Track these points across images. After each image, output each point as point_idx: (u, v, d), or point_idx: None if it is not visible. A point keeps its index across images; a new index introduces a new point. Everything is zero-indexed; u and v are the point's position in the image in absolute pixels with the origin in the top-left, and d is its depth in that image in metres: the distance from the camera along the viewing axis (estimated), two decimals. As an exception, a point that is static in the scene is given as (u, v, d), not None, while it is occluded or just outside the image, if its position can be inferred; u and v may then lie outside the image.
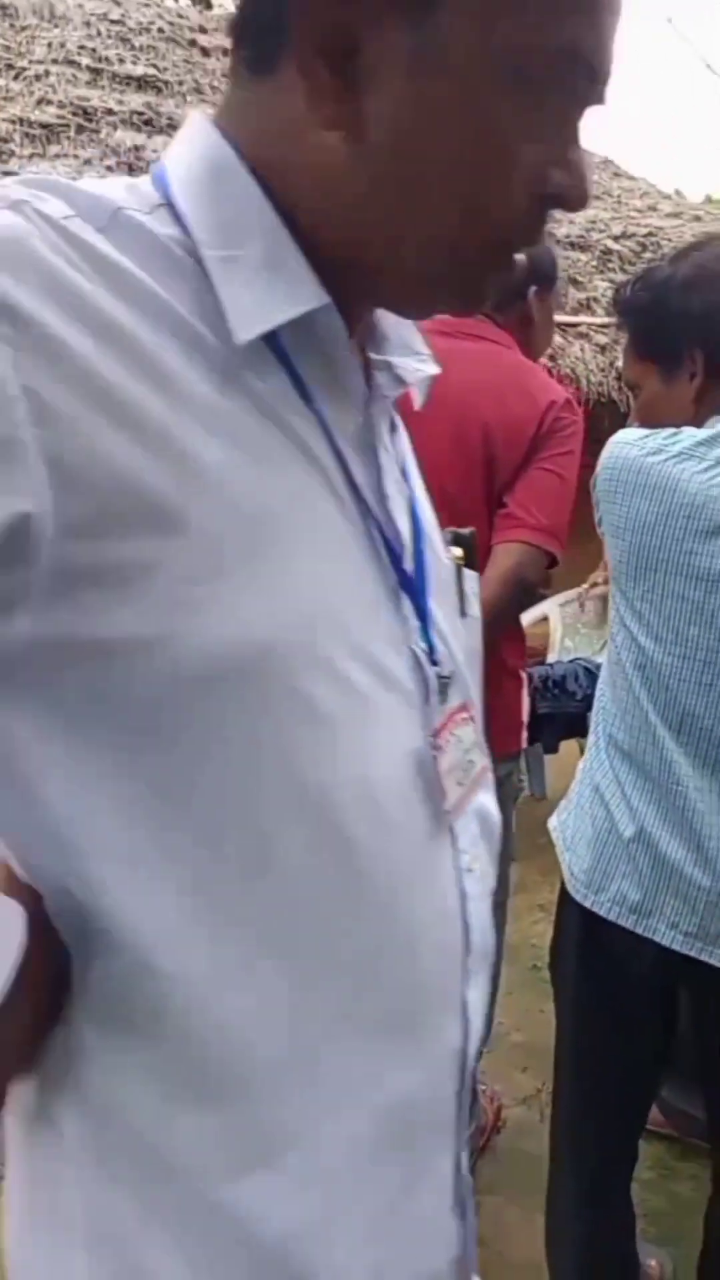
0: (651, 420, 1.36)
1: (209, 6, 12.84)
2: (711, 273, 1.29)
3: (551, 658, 4.08)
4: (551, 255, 1.88)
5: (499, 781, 1.83)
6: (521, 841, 2.14)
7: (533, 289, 1.80)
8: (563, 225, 6.14)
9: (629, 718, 1.35)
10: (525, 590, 1.66)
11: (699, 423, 1.29)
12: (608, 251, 5.96)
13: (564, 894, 1.46)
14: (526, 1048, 2.46)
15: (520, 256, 1.78)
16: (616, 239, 6.15)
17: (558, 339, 5.07)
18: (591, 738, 1.45)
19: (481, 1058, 2.01)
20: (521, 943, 2.05)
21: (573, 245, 5.91)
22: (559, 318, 5.21)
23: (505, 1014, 2.07)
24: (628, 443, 1.31)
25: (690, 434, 1.27)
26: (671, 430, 1.28)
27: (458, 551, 0.74)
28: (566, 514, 1.67)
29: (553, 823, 1.53)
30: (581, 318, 5.32)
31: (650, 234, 6.34)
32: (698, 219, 7.05)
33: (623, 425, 2.17)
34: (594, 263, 5.82)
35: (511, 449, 1.66)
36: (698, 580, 1.21)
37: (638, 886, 1.34)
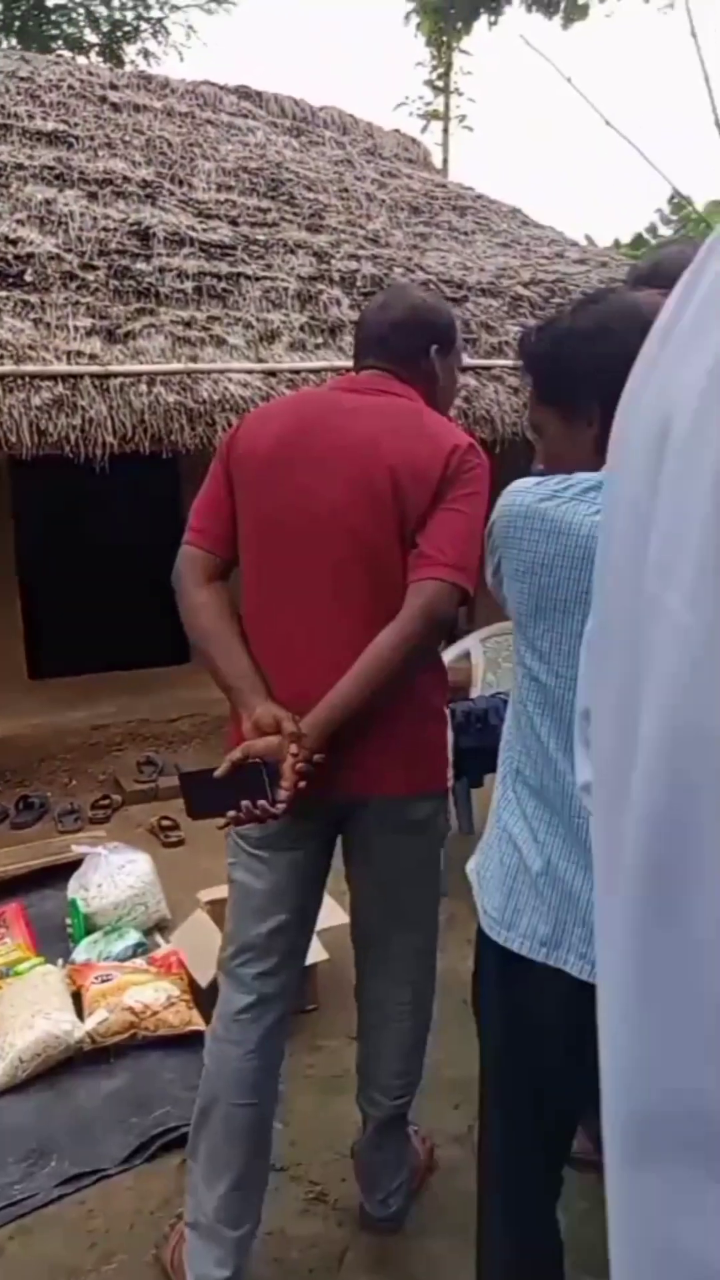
0: (555, 464, 1.41)
1: (120, 63, 13.04)
2: (608, 328, 1.34)
3: (474, 693, 4.13)
4: (450, 317, 1.93)
5: (426, 821, 1.85)
6: (451, 876, 2.15)
7: (434, 348, 1.85)
8: (474, 273, 6.32)
9: (532, 754, 1.39)
10: (439, 626, 1.69)
11: (599, 468, 1.33)
12: (518, 297, 6.14)
13: (480, 933, 1.47)
14: (458, 1084, 2.44)
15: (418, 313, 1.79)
16: (526, 285, 6.34)
17: (472, 382, 5.19)
18: (499, 776, 1.47)
19: (413, 1097, 1.99)
20: (452, 978, 2.04)
21: (484, 292, 6.08)
22: (473, 361, 5.36)
23: (436, 1050, 2.06)
24: (522, 490, 1.37)
25: (581, 479, 1.32)
26: (563, 477, 1.34)
27: None
28: (477, 552, 1.70)
29: (470, 865, 1.54)
30: (494, 361, 5.46)
31: (558, 280, 6.56)
32: (604, 264, 7.32)
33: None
34: (505, 308, 5.99)
35: (419, 491, 1.69)
36: None
37: (546, 920, 1.37)
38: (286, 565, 1.74)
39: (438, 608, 1.63)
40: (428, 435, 1.72)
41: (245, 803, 1.59)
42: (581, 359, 1.34)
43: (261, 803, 1.59)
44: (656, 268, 1.90)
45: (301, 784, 1.59)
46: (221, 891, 2.91)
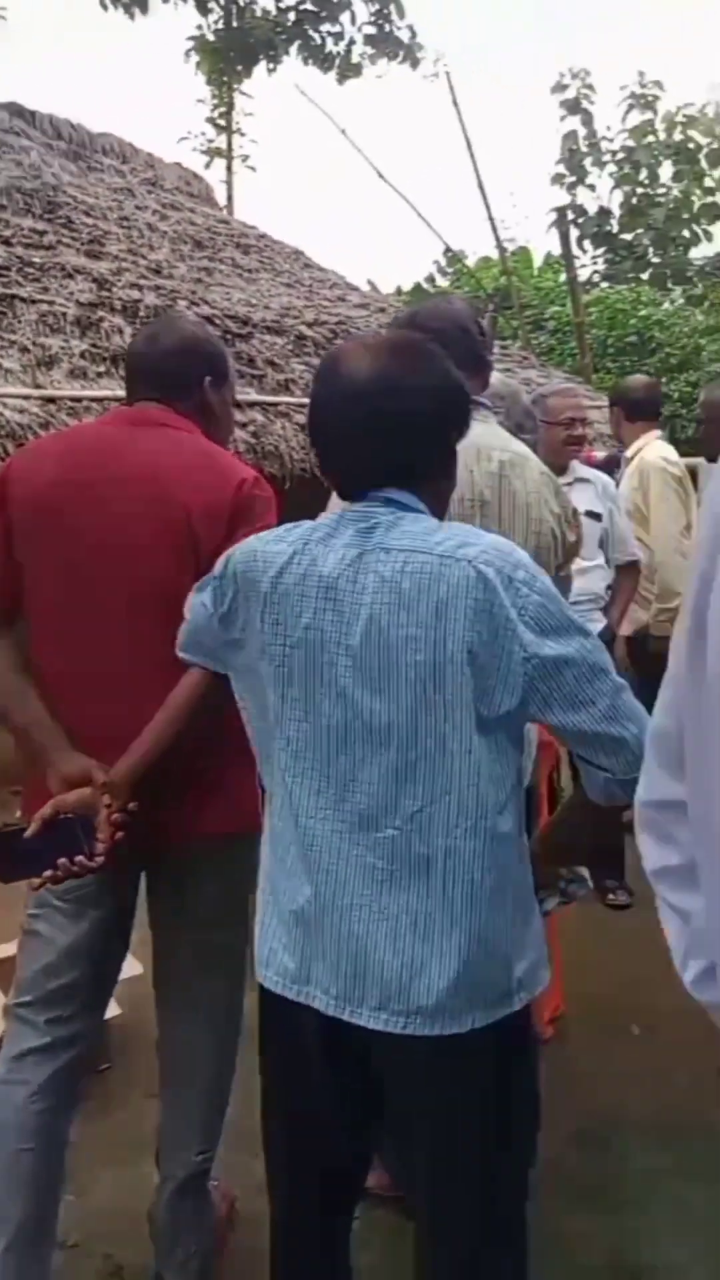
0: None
1: None
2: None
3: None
4: (221, 348, 1.95)
5: (240, 859, 1.76)
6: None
7: (207, 379, 1.84)
8: (259, 310, 6.39)
9: (275, 798, 1.41)
10: None
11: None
12: (302, 336, 6.25)
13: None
14: (257, 1133, 2.39)
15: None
16: (310, 325, 6.47)
17: (260, 417, 5.22)
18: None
19: (216, 1153, 1.92)
20: (254, 1021, 2.00)
21: (269, 329, 6.15)
22: (259, 397, 5.40)
23: (238, 1098, 2.00)
24: None
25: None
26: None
27: None
28: None
29: None
30: (282, 398, 5.52)
31: (341, 321, 6.75)
32: (383, 310, 7.60)
33: (323, 500, 2.26)
34: (290, 346, 6.08)
35: (212, 529, 1.68)
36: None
37: (294, 955, 1.39)
38: (78, 609, 1.68)
39: None
40: (214, 470, 1.72)
41: (62, 861, 1.53)
42: None
43: (79, 859, 1.53)
44: (414, 317, 2.05)
45: (119, 835, 1.56)
46: (4, 951, 2.74)
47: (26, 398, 4.42)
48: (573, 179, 12.41)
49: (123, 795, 1.59)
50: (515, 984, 1.34)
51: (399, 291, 13.79)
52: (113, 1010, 2.54)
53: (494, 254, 12.27)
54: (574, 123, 12.43)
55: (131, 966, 2.39)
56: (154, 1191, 2.00)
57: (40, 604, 1.72)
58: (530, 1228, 1.50)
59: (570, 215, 10.30)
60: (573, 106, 12.36)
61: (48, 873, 1.56)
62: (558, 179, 12.48)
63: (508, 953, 1.33)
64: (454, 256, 14.31)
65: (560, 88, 12.34)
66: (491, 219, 10.04)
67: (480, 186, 9.32)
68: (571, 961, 3.00)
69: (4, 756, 5.05)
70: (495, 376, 2.35)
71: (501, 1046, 1.34)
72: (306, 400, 5.49)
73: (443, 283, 14.83)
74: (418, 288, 14.26)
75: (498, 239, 10.71)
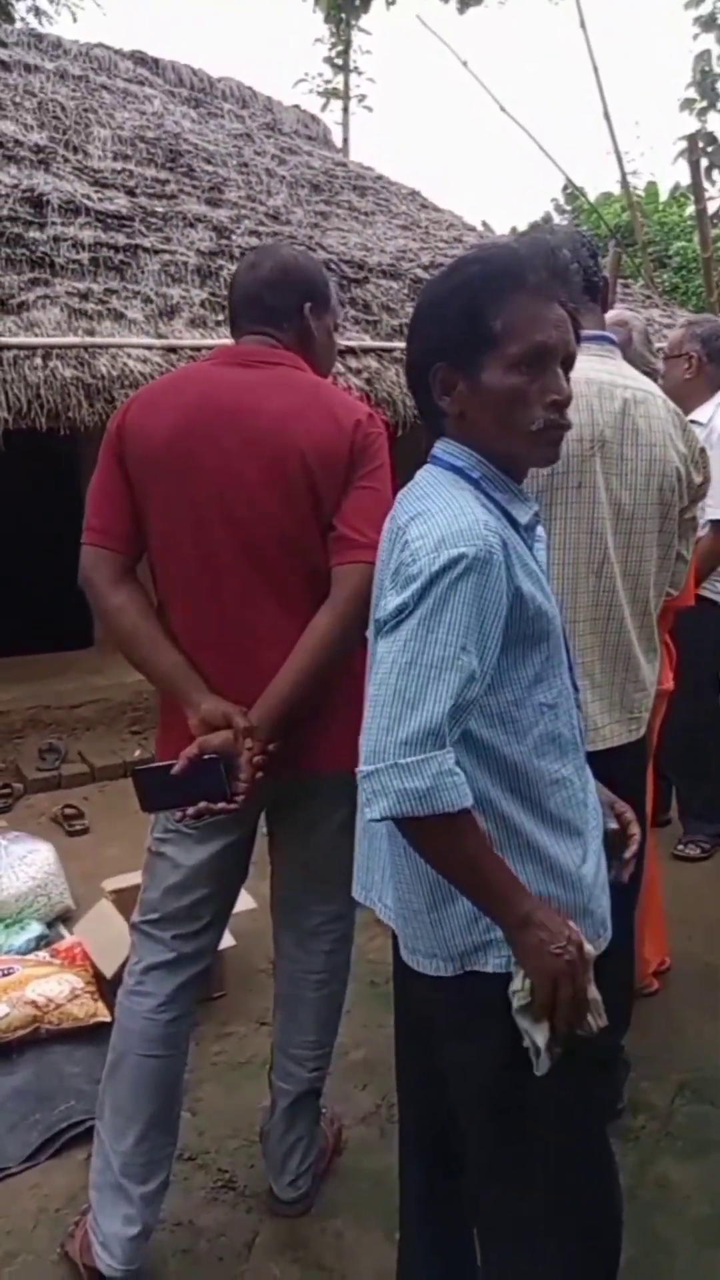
0: None
1: (10, 20, 12.49)
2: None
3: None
4: (322, 274, 1.89)
5: (353, 793, 1.86)
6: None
7: (307, 305, 1.83)
8: (374, 254, 6.31)
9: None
10: (369, 607, 1.70)
11: None
12: (418, 280, 6.15)
13: None
14: (366, 1065, 2.48)
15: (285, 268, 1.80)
16: (426, 268, 6.36)
17: (374, 364, 5.19)
18: None
19: (327, 1072, 2.00)
20: (359, 959, 2.06)
21: (384, 274, 6.08)
22: (374, 343, 5.36)
23: (344, 1031, 2.07)
24: None
25: None
26: None
27: None
28: None
29: None
30: (396, 343, 5.46)
31: (458, 264, 6.60)
32: (501, 251, 7.40)
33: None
34: (405, 291, 6.00)
35: (330, 474, 1.69)
36: None
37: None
38: (204, 556, 1.71)
39: (367, 591, 1.64)
40: (329, 412, 1.71)
41: (204, 803, 1.62)
42: None
43: (220, 801, 1.61)
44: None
45: (259, 776, 1.62)
46: (127, 880, 2.88)
47: (149, 348, 4.51)
48: (704, 104, 11.67)
49: (263, 739, 1.65)
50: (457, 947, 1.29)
51: (514, 232, 13.38)
52: (227, 941, 2.65)
53: (616, 189, 11.76)
54: (708, 41, 11.63)
55: (245, 900, 2.49)
56: (264, 1113, 2.10)
57: (162, 552, 1.76)
58: (605, 1183, 1.49)
59: (700, 143, 9.70)
60: (708, 23, 11.56)
61: (190, 810, 1.65)
62: (688, 104, 11.76)
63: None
64: (573, 193, 13.78)
65: (695, 2, 11.55)
66: (616, 149, 9.59)
67: (606, 115, 8.89)
68: (676, 916, 2.97)
69: (123, 698, 5.25)
70: (614, 310, 2.25)
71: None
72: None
73: (560, 220, 14.32)
74: (534, 228, 13.82)
75: (622, 170, 10.23)
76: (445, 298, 1.27)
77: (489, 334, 1.22)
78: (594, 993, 1.22)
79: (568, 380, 1.27)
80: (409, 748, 1.10)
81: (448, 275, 1.30)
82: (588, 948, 1.21)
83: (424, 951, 1.31)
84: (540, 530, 1.38)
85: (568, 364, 1.27)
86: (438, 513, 1.19)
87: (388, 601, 1.18)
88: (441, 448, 1.31)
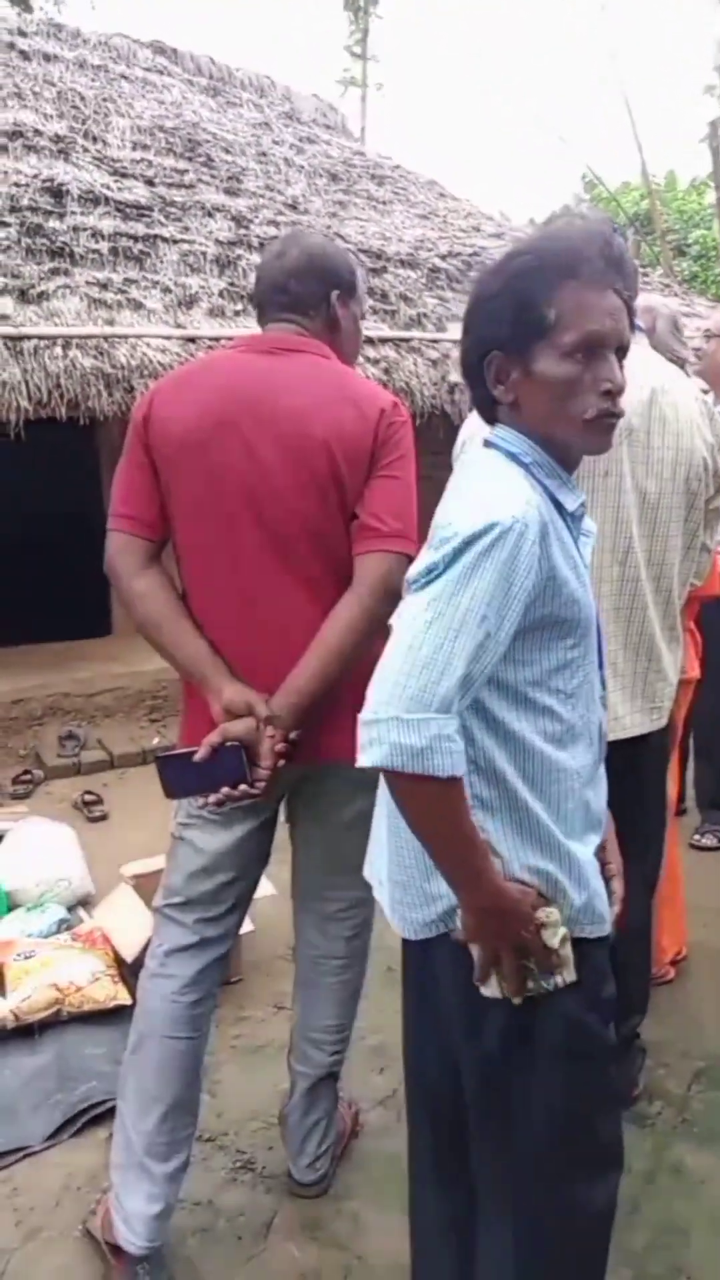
0: None
1: (29, 9, 12.50)
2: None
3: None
4: (349, 261, 1.87)
5: (374, 782, 1.87)
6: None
7: (334, 293, 1.80)
8: (392, 243, 6.30)
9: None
10: (392, 597, 1.69)
11: None
12: (435, 269, 6.14)
13: None
14: (382, 1049, 2.49)
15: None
16: (444, 257, 6.35)
17: (391, 353, 5.19)
18: None
19: (345, 1056, 2.02)
20: (377, 945, 2.08)
21: (402, 263, 6.07)
22: (392, 333, 5.35)
23: (360, 1016, 2.09)
24: None
25: None
26: None
27: None
28: (415, 514, 1.74)
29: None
30: (413, 333, 5.46)
31: (475, 253, 6.59)
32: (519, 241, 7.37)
33: (452, 436, 2.24)
34: (423, 280, 5.99)
35: (354, 465, 1.70)
36: None
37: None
38: (228, 544, 1.71)
39: (390, 580, 1.64)
40: (353, 402, 1.72)
41: (226, 789, 1.64)
42: None
43: (242, 786, 1.63)
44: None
45: (280, 764, 1.64)
46: (146, 865, 2.91)
47: (168, 337, 4.53)
48: (725, 87, 11.57)
49: (285, 727, 1.66)
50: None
51: (532, 222, 13.31)
52: (245, 926, 2.68)
53: (635, 178, 11.68)
54: (729, 24, 11.50)
55: (264, 886, 2.51)
56: (283, 1095, 2.13)
57: (186, 539, 1.77)
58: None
59: (721, 129, 9.63)
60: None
61: (213, 796, 1.66)
62: (709, 89, 11.66)
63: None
64: (591, 181, 13.69)
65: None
66: (636, 137, 9.53)
67: (626, 102, 8.84)
68: (693, 905, 2.97)
69: (141, 686, 5.29)
70: (642, 296, 2.23)
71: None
72: (439, 335, 5.47)
73: (579, 209, 14.22)
74: (553, 219, 13.73)
75: (641, 158, 10.16)
76: (500, 287, 1.27)
77: (543, 323, 1.23)
78: (565, 952, 1.24)
79: (622, 369, 1.26)
80: (414, 704, 1.11)
81: (503, 264, 1.29)
82: (550, 940, 1.23)
83: (418, 920, 1.33)
84: (589, 523, 1.37)
85: (622, 353, 1.27)
86: (482, 484, 1.23)
87: (421, 559, 1.20)
88: (497, 433, 1.32)
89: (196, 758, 1.65)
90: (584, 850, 1.32)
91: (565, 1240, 1.37)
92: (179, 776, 1.70)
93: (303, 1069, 2.01)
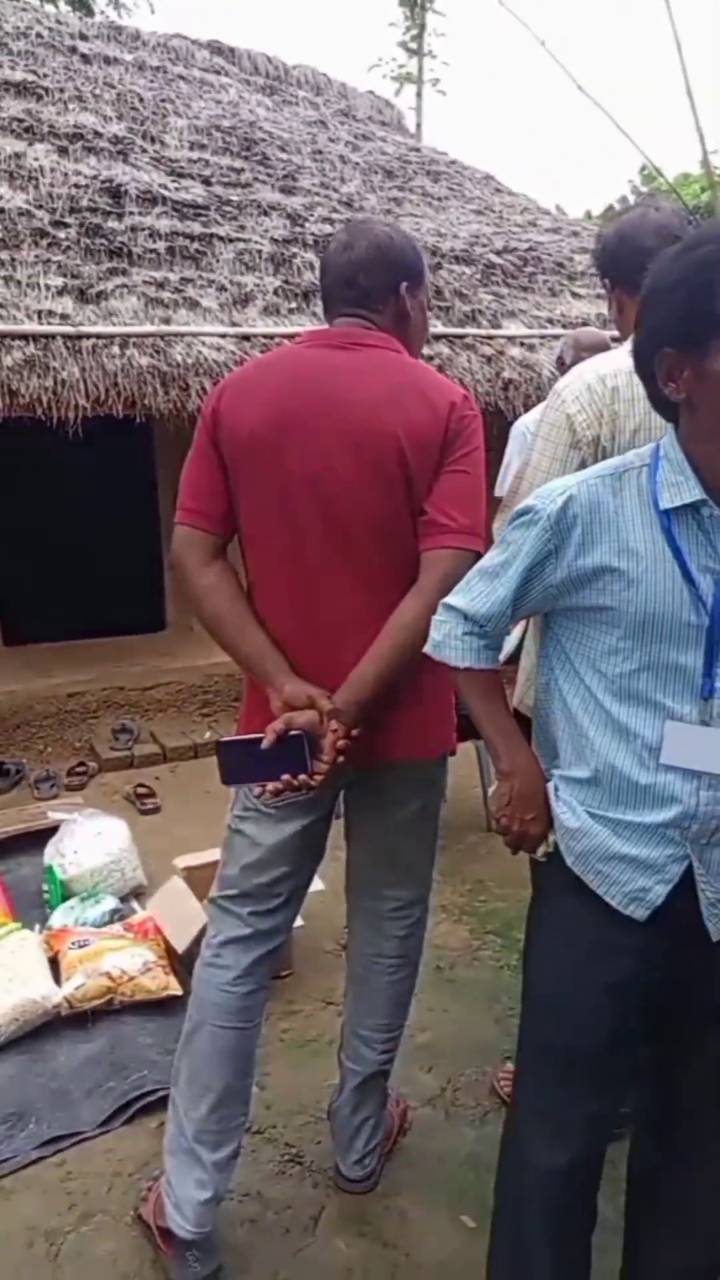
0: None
1: (90, 13, 12.67)
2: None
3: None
4: (416, 250, 1.84)
5: (435, 778, 1.90)
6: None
7: (403, 285, 1.78)
8: (447, 239, 6.27)
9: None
10: None
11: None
12: (491, 265, 6.10)
13: None
14: (431, 1048, 2.50)
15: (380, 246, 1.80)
16: (499, 253, 6.30)
17: (445, 350, 5.17)
18: None
19: (396, 1054, 2.03)
20: (425, 945, 2.08)
21: (457, 259, 6.04)
22: (446, 329, 5.33)
23: (410, 1015, 2.09)
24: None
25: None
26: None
27: None
28: (484, 510, 1.72)
29: None
30: (467, 329, 5.43)
31: (531, 248, 6.53)
32: (575, 234, 7.28)
33: (505, 434, 2.23)
34: (478, 276, 5.95)
35: (424, 460, 1.68)
36: None
37: None
38: (293, 541, 1.71)
39: (456, 577, 1.62)
40: (424, 396, 1.69)
41: (286, 776, 1.65)
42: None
43: (301, 776, 1.64)
44: (623, 240, 1.86)
45: (340, 759, 1.64)
46: (199, 858, 2.95)
47: (223, 336, 4.56)
48: None
49: (347, 722, 1.67)
50: None
51: (588, 215, 13.16)
52: (296, 922, 2.70)
53: (696, 169, 11.46)
54: None
55: (314, 883, 2.53)
56: (332, 1090, 2.14)
57: (253, 534, 1.77)
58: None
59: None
60: None
61: (272, 784, 1.67)
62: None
63: None
64: (650, 174, 13.48)
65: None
66: (699, 126, 9.35)
67: (688, 92, 8.67)
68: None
69: (193, 681, 5.33)
70: None
71: None
72: (493, 331, 5.39)
73: (634, 202, 14.04)
74: (609, 211, 13.56)
75: (703, 148, 9.97)
76: (675, 279, 1.20)
77: (718, 317, 1.16)
78: (549, 841, 1.43)
79: None
80: (445, 610, 1.47)
81: (679, 254, 1.21)
82: (544, 844, 1.43)
83: None
84: None
85: None
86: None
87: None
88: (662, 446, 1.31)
89: (264, 744, 1.66)
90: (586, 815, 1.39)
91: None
92: (238, 763, 1.71)
93: (353, 1066, 2.02)
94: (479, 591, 1.42)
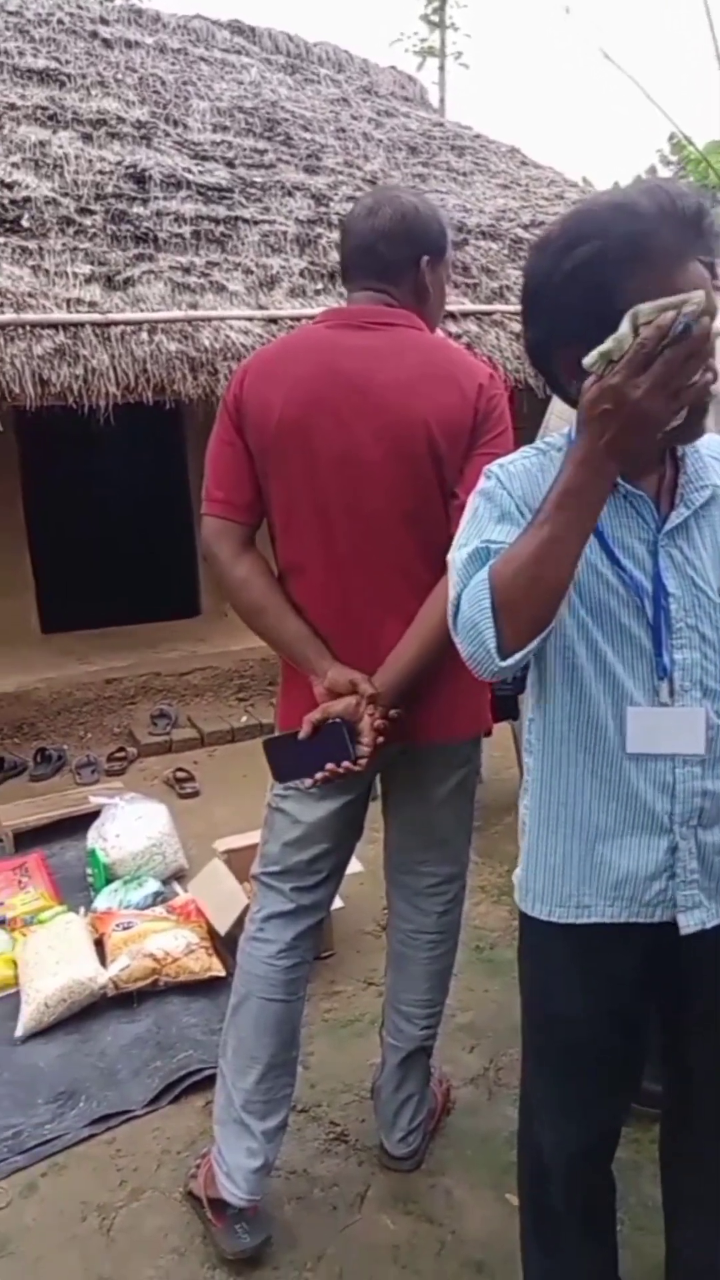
0: None
1: (109, -3, 12.61)
2: None
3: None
4: (441, 223, 1.79)
5: (470, 756, 1.91)
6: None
7: (424, 258, 1.74)
8: (473, 215, 6.20)
9: None
10: None
11: None
12: (518, 240, 6.03)
13: None
14: (473, 1028, 2.51)
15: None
16: (526, 227, 6.22)
17: (474, 327, 5.12)
18: None
19: (438, 1030, 2.04)
20: (465, 923, 2.09)
21: (484, 235, 5.97)
22: (475, 306, 5.28)
23: (451, 995, 2.10)
24: None
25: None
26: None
27: None
28: None
29: None
30: (496, 306, 5.38)
31: (558, 222, 6.44)
32: (605, 206, 7.17)
33: (541, 409, 2.20)
34: (505, 251, 5.89)
35: (454, 443, 1.67)
36: None
37: None
38: (323, 528, 1.71)
39: None
40: (452, 378, 1.67)
41: (330, 765, 1.65)
42: None
43: (345, 763, 1.65)
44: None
45: (380, 740, 1.65)
46: (239, 841, 2.97)
47: (250, 319, 4.55)
48: None
49: (386, 705, 1.67)
50: None
51: (616, 186, 12.94)
52: (335, 903, 2.71)
53: (730, 135, 11.21)
54: None
55: (352, 864, 2.54)
56: (375, 1069, 2.16)
57: (283, 522, 1.76)
58: None
59: None
60: None
61: (319, 774, 1.68)
62: None
63: None
64: (679, 143, 13.22)
65: None
66: (729, 95, 9.14)
67: (719, 56, 8.48)
68: None
69: (228, 665, 5.37)
70: None
71: None
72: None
73: (665, 173, 13.78)
74: (638, 181, 13.32)
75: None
76: (564, 278, 1.16)
77: (618, 315, 1.09)
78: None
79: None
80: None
81: (560, 252, 1.17)
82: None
83: None
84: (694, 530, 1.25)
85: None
86: None
87: None
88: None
89: (300, 736, 1.68)
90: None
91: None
92: (286, 759, 1.73)
93: (395, 1042, 2.04)
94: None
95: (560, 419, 1.94)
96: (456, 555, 1.22)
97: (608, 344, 1.02)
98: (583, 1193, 1.48)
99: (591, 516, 1.11)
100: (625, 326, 1.01)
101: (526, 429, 1.89)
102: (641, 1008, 1.40)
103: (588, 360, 1.05)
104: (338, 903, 2.72)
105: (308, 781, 1.72)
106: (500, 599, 1.12)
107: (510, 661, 1.15)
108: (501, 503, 1.23)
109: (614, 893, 1.28)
